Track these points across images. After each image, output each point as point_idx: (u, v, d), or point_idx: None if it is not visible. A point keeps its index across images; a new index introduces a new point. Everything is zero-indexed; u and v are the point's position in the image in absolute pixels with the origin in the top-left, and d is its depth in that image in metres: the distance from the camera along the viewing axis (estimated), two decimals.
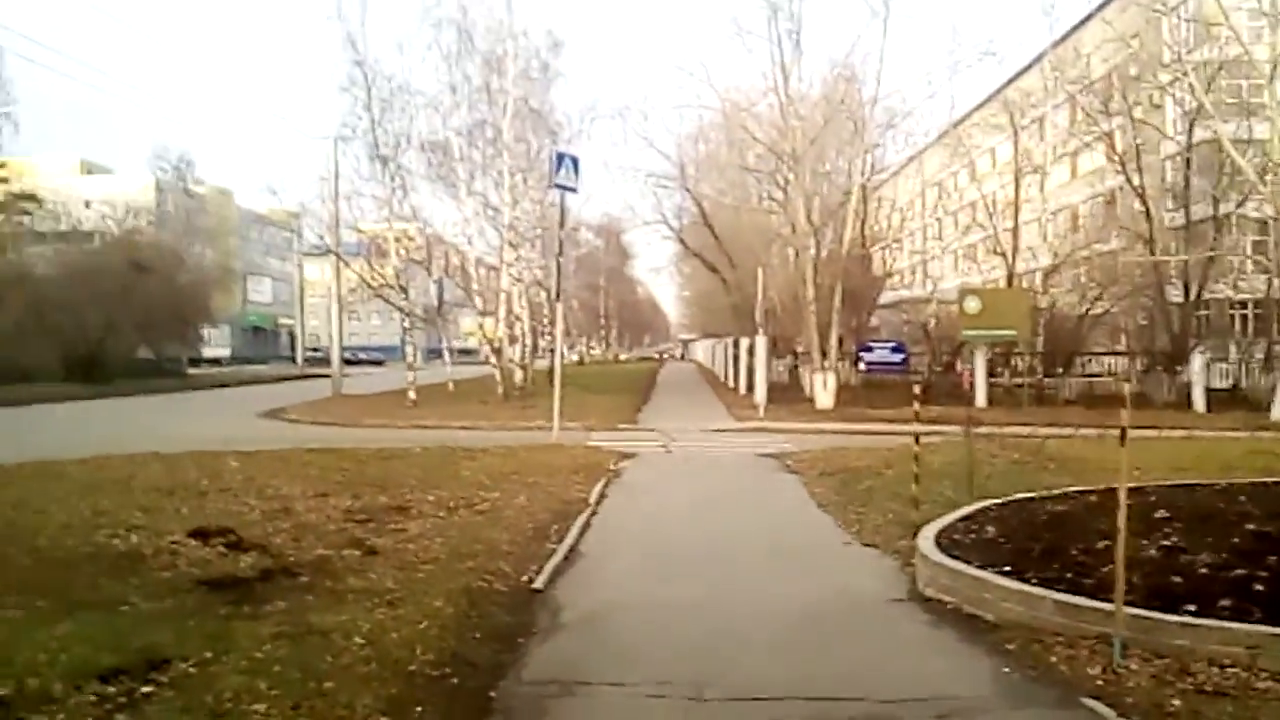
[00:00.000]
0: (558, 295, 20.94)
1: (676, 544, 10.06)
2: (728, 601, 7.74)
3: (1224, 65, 31.76)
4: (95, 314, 44.72)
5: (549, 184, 20.65)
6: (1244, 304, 39.01)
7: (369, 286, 32.92)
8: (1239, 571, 6.52)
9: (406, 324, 31.71)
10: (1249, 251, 36.02)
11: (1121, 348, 40.27)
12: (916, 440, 9.77)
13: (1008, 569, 7.00)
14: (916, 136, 35.92)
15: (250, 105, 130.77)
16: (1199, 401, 30.63)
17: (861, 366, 32.64)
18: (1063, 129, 45.35)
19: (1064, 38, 41.74)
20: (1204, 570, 6.66)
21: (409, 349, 31.64)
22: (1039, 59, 42.48)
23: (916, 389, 9.98)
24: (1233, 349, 36.27)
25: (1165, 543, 7.40)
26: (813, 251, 31.60)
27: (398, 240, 33.57)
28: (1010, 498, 10.32)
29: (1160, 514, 8.69)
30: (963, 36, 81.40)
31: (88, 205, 63.76)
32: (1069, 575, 6.78)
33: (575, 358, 75.74)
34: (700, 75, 44.58)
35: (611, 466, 16.02)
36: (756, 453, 18.69)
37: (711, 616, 7.27)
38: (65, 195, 60.83)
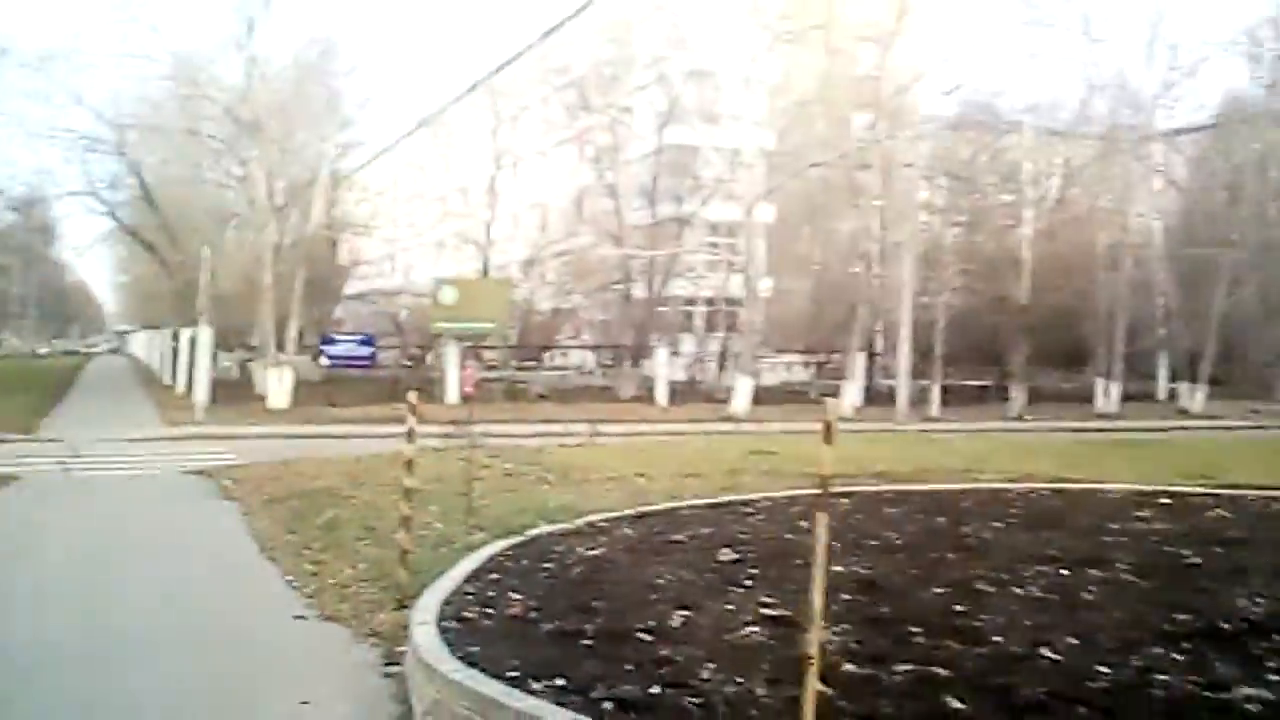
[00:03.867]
0: None
1: (27, 652, 6.12)
2: None
3: (694, 74, 32.64)
4: None
5: None
6: (692, 301, 40.87)
7: None
8: (939, 670, 4.29)
9: None
10: (718, 251, 37.80)
11: (581, 342, 40.77)
12: (409, 469, 6.80)
13: (564, 683, 4.28)
14: (398, 116, 33.25)
15: None
16: (662, 395, 31.09)
17: (324, 360, 29.30)
18: (543, 122, 45.12)
19: (551, 30, 41.48)
20: (904, 671, 4.31)
21: None
22: (527, 49, 41.96)
23: (411, 396, 6.95)
24: (688, 344, 37.80)
25: (770, 611, 5.14)
26: (273, 234, 27.67)
27: None
28: (526, 534, 7.78)
29: (727, 554, 6.61)
30: (453, 15, 79.71)
31: None
32: (664, 691, 4.20)
33: None
34: (145, 21, 38.11)
35: None
36: (185, 470, 14.67)
37: None
38: None
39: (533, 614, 5.44)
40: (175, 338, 33.30)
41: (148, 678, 5.67)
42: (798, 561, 6.61)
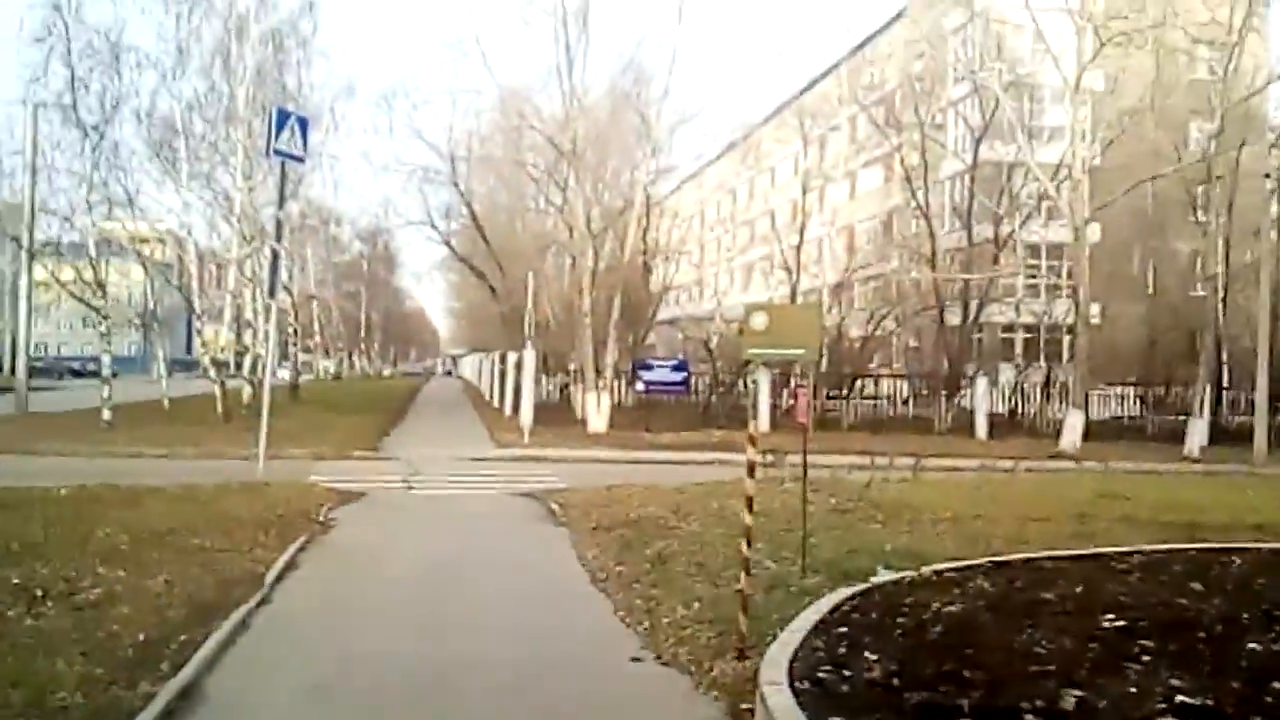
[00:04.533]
0: (271, 292, 16.77)
1: (370, 671, 6.25)
2: None
3: (1013, 85, 30.88)
4: None
5: (267, 150, 16.51)
6: (1011, 327, 38.90)
7: (58, 282, 27.38)
8: None
9: (104, 329, 26.26)
10: (1039, 274, 35.76)
11: (893, 370, 39.45)
12: (750, 506, 6.45)
13: None
14: (706, 140, 33.42)
15: None
16: (981, 427, 29.47)
17: (639, 386, 29.83)
18: (851, 142, 44.49)
19: (861, 45, 40.74)
20: None
21: (105, 358, 26.20)
22: (835, 67, 41.40)
23: (752, 427, 6.62)
24: (1007, 374, 35.74)
25: (1186, 697, 4.35)
26: (591, 260, 28.51)
27: (138, 239, 28.52)
28: (870, 582, 7.24)
29: (1111, 620, 5.78)
30: (761, 34, 79.90)
31: None
32: None
33: (332, 372, 70.21)
34: (476, 56, 41.18)
35: (320, 517, 12.04)
36: (515, 492, 15.13)
37: None
38: None
39: (895, 680, 4.90)
40: (502, 361, 35.05)
41: (489, 707, 5.62)
42: (1201, 634, 5.70)
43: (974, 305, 34.45)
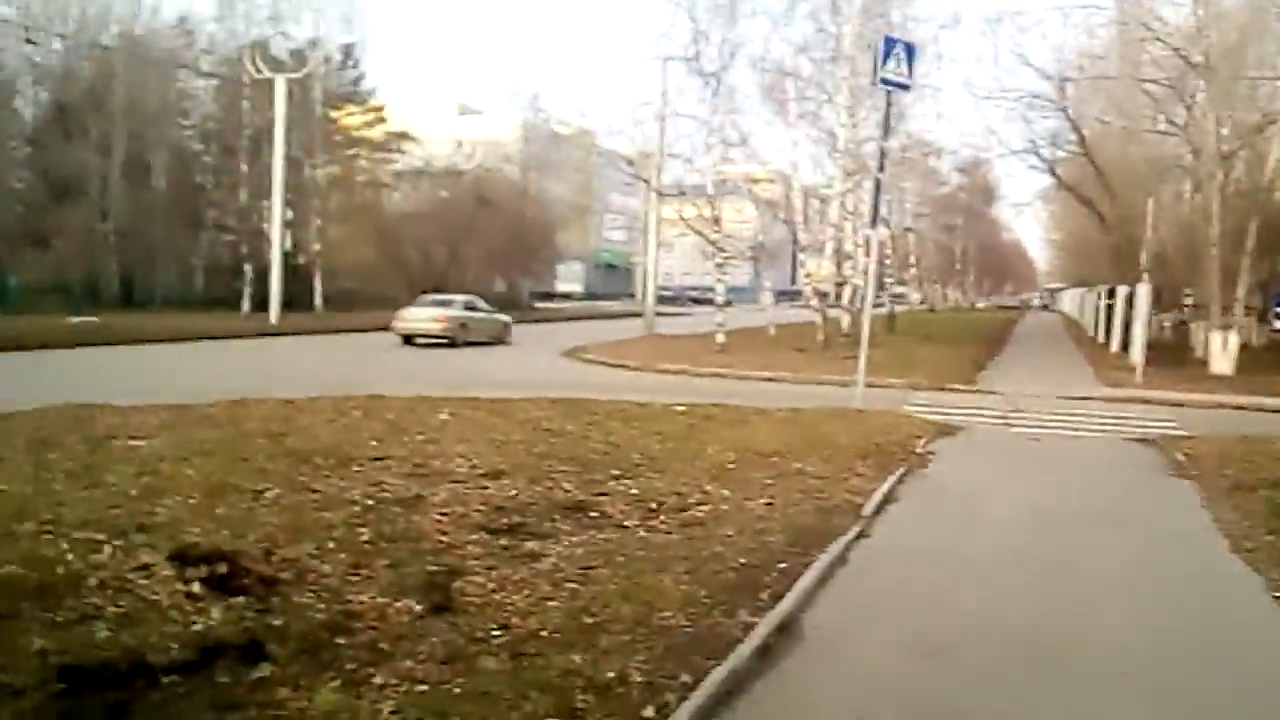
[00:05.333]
0: (873, 222, 16.81)
1: (979, 636, 5.71)
2: None
3: None
4: (440, 247, 45.97)
5: (874, 80, 16.54)
6: None
7: (681, 219, 30.23)
8: None
9: (718, 260, 28.57)
10: None
11: None
12: None
13: None
14: None
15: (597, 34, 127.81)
16: None
17: (1277, 324, 25.97)
18: None
19: None
20: None
21: (719, 287, 28.57)
22: None
23: None
24: None
25: None
26: (1220, 184, 25.23)
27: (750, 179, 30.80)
28: None
29: None
30: None
31: (460, 145, 64.83)
32: None
33: (925, 304, 70.24)
34: None
35: (918, 449, 11.82)
36: (1128, 437, 13.77)
37: None
38: (442, 136, 61.84)
39: None
40: (1110, 295, 32.59)
41: (1129, 709, 4.88)
42: None
43: None
